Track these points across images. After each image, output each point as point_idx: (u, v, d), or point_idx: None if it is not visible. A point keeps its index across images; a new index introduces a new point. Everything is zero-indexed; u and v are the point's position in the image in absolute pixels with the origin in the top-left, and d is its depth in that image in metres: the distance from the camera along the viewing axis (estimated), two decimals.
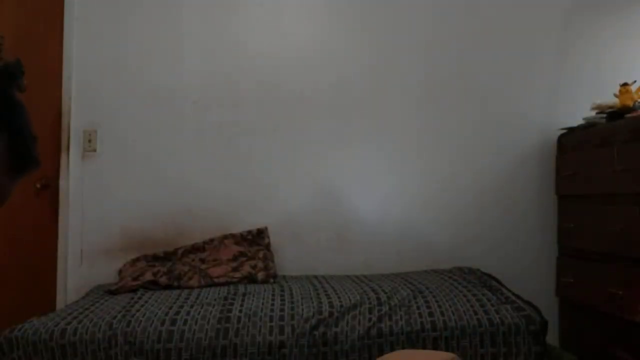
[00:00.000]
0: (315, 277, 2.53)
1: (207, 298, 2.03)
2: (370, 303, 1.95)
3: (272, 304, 1.95)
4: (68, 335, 1.71)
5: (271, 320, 1.82)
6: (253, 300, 2.00)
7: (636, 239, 2.10)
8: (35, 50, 2.55)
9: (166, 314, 1.83)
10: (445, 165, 2.81)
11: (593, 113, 2.54)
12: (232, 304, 1.94)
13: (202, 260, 2.53)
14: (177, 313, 1.85)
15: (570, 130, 2.67)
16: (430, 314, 1.89)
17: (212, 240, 2.62)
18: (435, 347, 1.81)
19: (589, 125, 2.52)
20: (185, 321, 1.80)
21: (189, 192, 2.67)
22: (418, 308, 1.93)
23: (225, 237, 2.63)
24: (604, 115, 2.45)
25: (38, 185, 2.53)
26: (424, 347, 1.81)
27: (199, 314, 1.85)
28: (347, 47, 2.79)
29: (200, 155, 2.69)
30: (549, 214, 2.81)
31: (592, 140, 2.44)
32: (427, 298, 2.01)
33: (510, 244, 2.80)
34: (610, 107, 2.44)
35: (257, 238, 2.64)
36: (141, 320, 1.78)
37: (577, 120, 2.66)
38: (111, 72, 2.65)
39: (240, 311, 1.87)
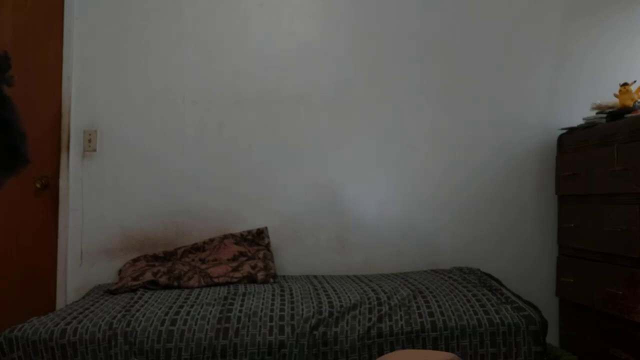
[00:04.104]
0: (315, 277, 2.54)
1: (207, 298, 2.03)
2: (370, 303, 1.95)
3: (272, 304, 1.95)
4: (68, 335, 1.71)
5: (271, 320, 1.82)
6: (253, 300, 2.00)
7: (636, 239, 2.10)
8: (35, 50, 2.55)
9: (166, 314, 1.83)
10: (446, 165, 2.81)
11: (593, 113, 2.54)
12: (232, 304, 1.94)
13: (202, 260, 2.53)
14: (177, 313, 1.85)
15: (570, 130, 2.67)
16: (430, 314, 1.89)
17: (212, 240, 2.63)
18: (435, 347, 1.81)
19: (589, 125, 2.52)
20: (185, 321, 1.80)
21: (189, 192, 2.67)
22: (418, 308, 1.93)
23: (225, 237, 2.63)
24: (604, 115, 2.45)
25: (38, 185, 2.54)
26: (424, 347, 1.81)
27: (199, 314, 1.85)
28: (347, 47, 2.79)
29: (200, 155, 2.69)
30: (549, 214, 2.81)
31: (592, 140, 2.45)
32: (427, 298, 2.01)
33: (510, 244, 2.81)
34: (610, 107, 2.44)
35: (257, 238, 2.64)
36: (141, 320, 1.78)
37: (577, 120, 2.67)
38: (111, 72, 2.65)
39: (240, 311, 1.87)
